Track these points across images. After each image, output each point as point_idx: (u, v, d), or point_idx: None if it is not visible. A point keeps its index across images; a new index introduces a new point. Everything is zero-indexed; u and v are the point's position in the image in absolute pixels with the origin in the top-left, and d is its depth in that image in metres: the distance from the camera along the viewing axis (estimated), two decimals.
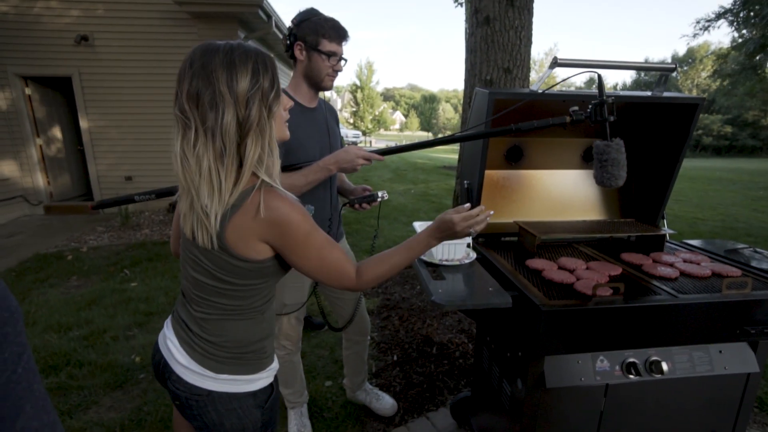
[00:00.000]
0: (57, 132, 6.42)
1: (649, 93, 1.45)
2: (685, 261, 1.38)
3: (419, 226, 1.46)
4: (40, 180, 6.11)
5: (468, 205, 0.99)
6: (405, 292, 3.23)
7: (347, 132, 23.98)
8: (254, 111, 0.76)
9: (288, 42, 1.44)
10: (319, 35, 1.39)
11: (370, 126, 33.83)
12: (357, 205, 1.49)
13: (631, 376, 1.14)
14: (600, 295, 1.09)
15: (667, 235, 1.59)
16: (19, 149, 5.92)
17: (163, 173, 5.90)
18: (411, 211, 6.35)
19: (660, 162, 1.63)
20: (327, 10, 1.48)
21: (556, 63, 1.29)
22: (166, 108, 5.73)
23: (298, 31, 1.41)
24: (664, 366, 1.14)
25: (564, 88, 1.84)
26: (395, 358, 2.38)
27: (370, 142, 32.16)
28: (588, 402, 1.17)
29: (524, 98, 1.32)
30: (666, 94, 1.42)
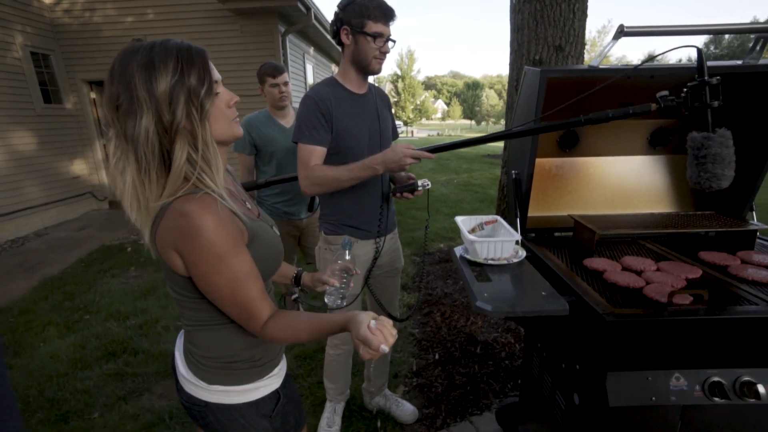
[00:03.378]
0: None
1: (739, 62, 1.22)
2: None
3: (462, 221, 1.35)
4: (104, 177, 6.61)
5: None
6: (447, 287, 3.12)
7: None
8: (180, 112, 0.68)
9: (335, 28, 1.40)
10: (364, 17, 1.33)
11: (411, 116, 33.46)
12: (399, 194, 1.43)
13: (717, 399, 0.97)
14: (678, 304, 0.93)
15: (759, 231, 1.35)
16: (86, 149, 6.44)
17: None
18: (454, 202, 6.16)
19: (749, 144, 1.38)
20: None
21: (622, 32, 1.11)
22: None
23: (343, 15, 1.36)
24: (761, 389, 0.95)
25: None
26: (437, 356, 2.28)
27: (412, 132, 31.81)
28: (659, 425, 1.01)
29: (582, 75, 1.16)
30: (763, 61, 1.18)
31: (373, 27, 1.33)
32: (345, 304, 1.09)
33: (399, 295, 1.81)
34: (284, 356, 0.99)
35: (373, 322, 0.70)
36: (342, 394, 1.80)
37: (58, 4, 5.88)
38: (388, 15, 1.34)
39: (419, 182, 1.38)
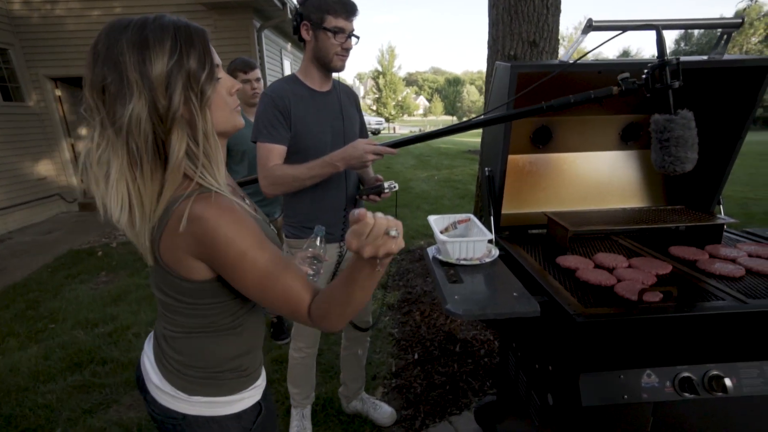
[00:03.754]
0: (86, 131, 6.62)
1: (704, 57, 1.22)
2: (750, 255, 1.17)
3: (434, 220, 1.32)
4: (73, 178, 6.34)
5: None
6: (427, 285, 3.10)
7: (370, 119, 23.70)
8: (177, 98, 0.61)
9: (295, 23, 1.34)
10: (324, 12, 1.28)
11: (393, 112, 33.42)
12: (365, 197, 1.39)
13: (686, 394, 0.97)
14: (647, 302, 0.92)
15: (726, 225, 1.36)
16: (53, 149, 6.15)
17: None
18: (434, 198, 6.16)
19: (716, 138, 1.39)
20: None
21: (591, 26, 1.09)
22: None
23: (303, 10, 1.31)
24: (728, 383, 0.95)
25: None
26: (416, 356, 2.26)
27: (394, 128, 31.80)
28: (632, 422, 1.00)
29: (552, 70, 1.14)
30: (727, 57, 1.19)
31: (333, 22, 1.28)
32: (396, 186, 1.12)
33: (370, 299, 1.77)
34: (263, 368, 0.94)
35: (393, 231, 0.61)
36: (307, 398, 1.76)
37: None
38: (349, 10, 1.30)
39: (386, 184, 1.34)
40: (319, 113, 1.40)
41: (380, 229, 0.58)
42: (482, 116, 1.11)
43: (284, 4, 5.76)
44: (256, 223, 0.70)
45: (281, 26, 6.62)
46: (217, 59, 0.69)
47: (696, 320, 0.90)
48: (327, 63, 1.35)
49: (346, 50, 1.34)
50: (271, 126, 1.33)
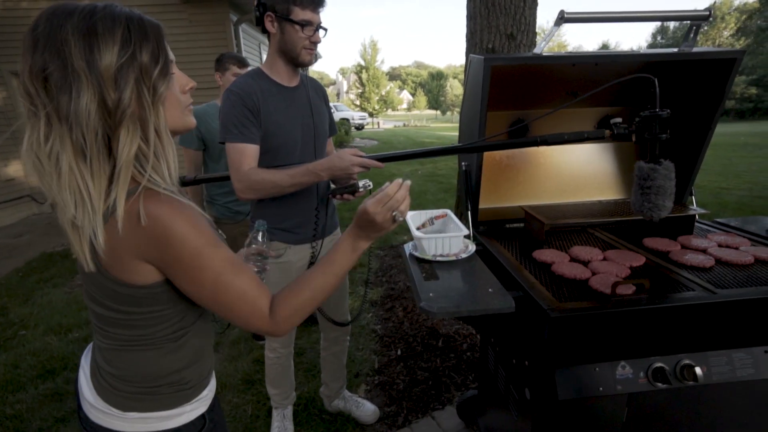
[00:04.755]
0: None
1: (675, 50, 1.23)
2: (720, 245, 1.19)
3: (411, 216, 1.30)
4: None
5: (387, 183, 0.75)
6: (410, 281, 3.09)
7: (354, 114, 23.53)
8: (128, 93, 0.58)
9: (257, 14, 1.27)
10: (290, 2, 1.22)
11: (376, 107, 33.29)
12: (339, 196, 1.34)
13: (659, 384, 0.98)
14: (620, 295, 0.92)
15: (697, 215, 1.39)
16: (21, 148, 5.89)
17: None
18: (418, 193, 6.16)
19: (687, 130, 1.41)
20: None
21: (563, 18, 1.08)
22: None
23: (267, 0, 1.24)
24: (698, 371, 0.97)
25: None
26: (399, 352, 2.25)
27: (378, 123, 31.69)
28: (608, 414, 1.01)
29: (525, 62, 1.13)
30: (696, 49, 1.20)
31: (300, 14, 1.23)
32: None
33: (347, 297, 1.74)
34: (213, 377, 0.90)
35: (370, 202, 0.73)
36: (288, 399, 1.73)
37: None
38: (317, 1, 1.24)
39: (360, 183, 1.31)
40: (289, 110, 1.35)
41: (402, 192, 0.73)
42: (476, 143, 1.13)
43: None
44: (208, 223, 0.67)
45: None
46: (171, 55, 0.66)
47: (667, 311, 0.91)
48: (294, 57, 1.30)
49: (314, 44, 1.29)
50: (241, 125, 1.26)
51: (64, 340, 2.63)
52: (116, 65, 0.57)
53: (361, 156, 1.21)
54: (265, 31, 1.29)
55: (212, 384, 0.86)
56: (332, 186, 1.45)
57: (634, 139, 0.98)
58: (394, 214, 0.74)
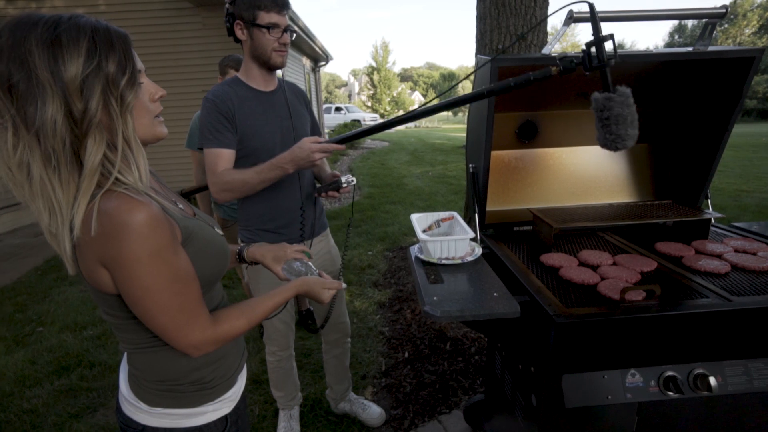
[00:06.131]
0: None
1: (689, 49, 1.20)
2: (737, 251, 1.15)
3: (417, 219, 1.30)
4: None
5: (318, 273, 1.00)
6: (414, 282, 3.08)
7: (365, 115, 23.58)
8: (94, 103, 0.58)
9: (228, 25, 1.32)
10: (254, 8, 1.26)
11: (388, 108, 33.32)
12: (324, 194, 1.37)
13: (671, 393, 0.95)
14: (630, 301, 0.90)
15: (713, 219, 1.35)
16: None
17: (178, 168, 5.91)
18: (428, 195, 6.14)
19: (703, 131, 1.37)
20: None
21: (572, 18, 1.06)
22: (173, 101, 5.69)
23: (234, 9, 1.29)
24: (713, 381, 0.93)
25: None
26: (406, 355, 2.24)
27: None
28: (617, 423, 0.98)
29: (533, 63, 1.11)
30: (712, 48, 1.16)
31: (266, 18, 1.26)
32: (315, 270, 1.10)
33: (342, 299, 1.73)
34: (243, 379, 0.91)
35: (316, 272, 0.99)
36: (293, 400, 1.74)
37: None
38: (279, 4, 1.27)
39: (343, 179, 1.33)
40: (266, 114, 1.37)
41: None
42: (425, 106, 1.08)
43: None
44: (173, 227, 0.66)
45: None
46: (140, 64, 0.66)
47: (679, 319, 0.88)
48: (266, 60, 1.33)
49: (284, 45, 1.32)
50: (216, 131, 1.31)
51: (79, 338, 2.69)
52: (82, 76, 0.58)
53: (320, 142, 1.22)
54: (237, 40, 1.34)
55: (238, 387, 0.87)
56: (318, 185, 1.47)
57: (585, 71, 0.93)
58: (326, 292, 0.93)
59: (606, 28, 0.93)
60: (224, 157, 1.31)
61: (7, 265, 4.24)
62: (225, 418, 0.82)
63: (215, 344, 0.73)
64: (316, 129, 1.58)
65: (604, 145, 0.95)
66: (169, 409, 0.76)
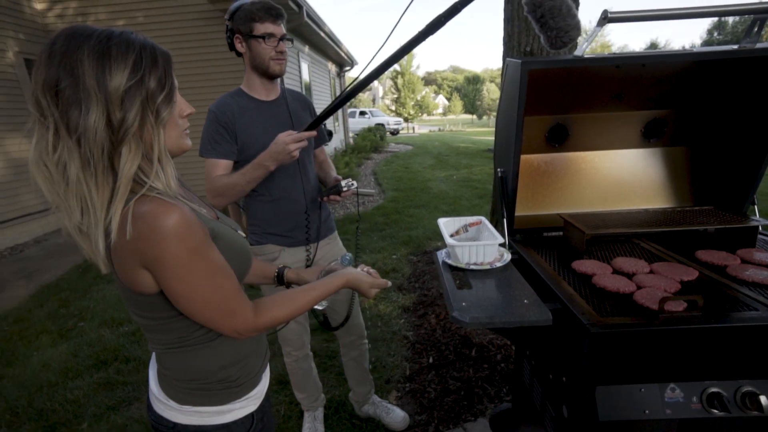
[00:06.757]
0: None
1: (734, 47, 1.14)
2: None
3: (444, 223, 1.29)
4: None
5: (368, 268, 1.00)
6: (441, 287, 3.05)
7: (389, 119, 23.66)
8: (132, 114, 0.61)
9: (229, 40, 1.38)
10: (250, 20, 1.32)
11: (411, 112, 33.30)
12: (326, 198, 1.43)
13: (716, 411, 0.90)
14: (669, 312, 0.86)
15: (761, 227, 1.27)
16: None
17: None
18: (453, 199, 6.08)
19: (749, 133, 1.30)
20: None
21: (606, 18, 1.03)
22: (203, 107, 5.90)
23: (232, 24, 1.35)
24: (764, 400, 0.88)
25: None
26: (431, 360, 2.22)
27: (413, 128, 31.68)
28: None
29: (565, 65, 1.08)
30: (760, 45, 1.10)
31: (261, 28, 1.32)
32: (327, 304, 1.10)
33: (354, 302, 1.72)
34: (266, 378, 0.94)
35: (366, 268, 0.98)
36: (316, 401, 1.76)
37: (51, 10, 5.86)
38: (273, 14, 1.33)
39: (343, 183, 1.38)
40: (267, 122, 1.41)
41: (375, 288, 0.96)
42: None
43: (300, 7, 5.82)
44: (204, 225, 0.69)
45: (298, 29, 6.69)
46: (176, 82, 0.70)
47: (725, 332, 0.83)
48: (265, 69, 1.37)
49: (281, 53, 1.37)
50: (214, 141, 1.37)
51: (116, 333, 2.82)
52: (124, 87, 0.61)
53: (292, 135, 1.25)
54: (239, 54, 1.39)
55: (262, 385, 0.89)
56: (322, 189, 1.50)
57: None
58: (373, 290, 0.95)
59: (641, 25, 0.89)
60: (220, 166, 1.38)
61: (52, 262, 4.51)
62: (251, 415, 0.84)
63: (257, 332, 0.77)
64: (321, 134, 1.62)
65: (552, 46, 0.93)
66: (199, 407, 0.78)
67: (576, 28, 0.90)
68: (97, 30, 0.62)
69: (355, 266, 1.01)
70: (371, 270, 0.98)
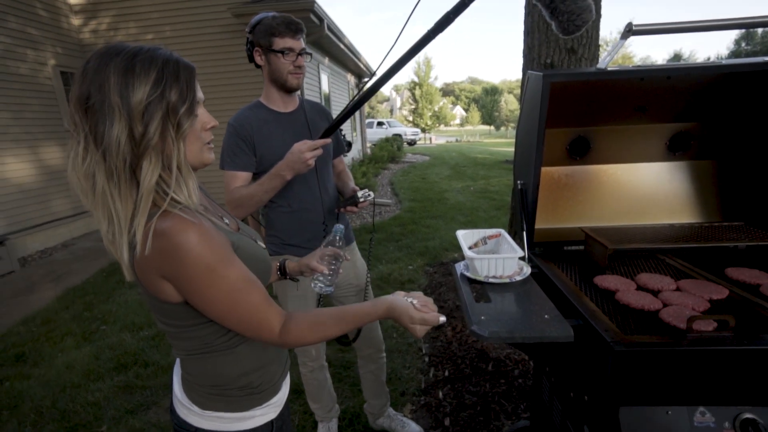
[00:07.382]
0: None
1: (765, 58, 1.11)
2: None
3: (462, 235, 1.28)
4: None
5: (420, 294, 0.85)
6: (459, 300, 3.01)
7: (406, 130, 23.81)
8: (153, 127, 0.63)
9: (249, 53, 1.42)
10: (270, 35, 1.35)
11: (429, 122, 33.44)
12: (342, 209, 1.43)
13: None
14: (698, 331, 0.83)
15: None
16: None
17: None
18: (470, 210, 6.04)
19: None
20: (380, 7, 1.38)
21: (630, 31, 1.03)
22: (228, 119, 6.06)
23: (253, 38, 1.38)
24: None
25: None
26: (446, 373, 2.19)
27: (431, 138, 31.75)
28: None
29: (588, 78, 1.08)
30: None
31: (280, 43, 1.34)
32: (333, 290, 1.11)
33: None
34: (287, 386, 0.94)
35: (414, 301, 0.81)
36: (330, 412, 1.75)
37: (86, 26, 6.17)
38: (293, 29, 1.35)
39: (359, 194, 1.39)
40: (285, 134, 1.43)
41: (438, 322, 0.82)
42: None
43: (321, 20, 5.96)
44: (225, 239, 0.70)
45: (318, 41, 6.84)
46: (200, 95, 0.71)
47: (759, 355, 0.80)
48: (283, 83, 1.40)
49: (299, 68, 1.39)
50: (233, 154, 1.40)
51: (136, 337, 2.88)
52: (146, 101, 0.63)
53: (307, 143, 1.26)
54: (258, 66, 1.43)
55: (282, 393, 0.90)
56: (340, 200, 1.51)
57: None
58: (418, 327, 0.81)
59: (667, 37, 0.88)
60: (239, 178, 1.40)
61: (78, 266, 4.67)
62: (271, 423, 0.84)
63: (283, 347, 0.79)
64: (340, 145, 1.64)
65: (565, 32, 0.90)
66: (220, 413, 0.79)
67: (588, 10, 0.87)
68: (127, 47, 0.65)
69: (368, 276, 1.01)
70: (423, 299, 0.83)
